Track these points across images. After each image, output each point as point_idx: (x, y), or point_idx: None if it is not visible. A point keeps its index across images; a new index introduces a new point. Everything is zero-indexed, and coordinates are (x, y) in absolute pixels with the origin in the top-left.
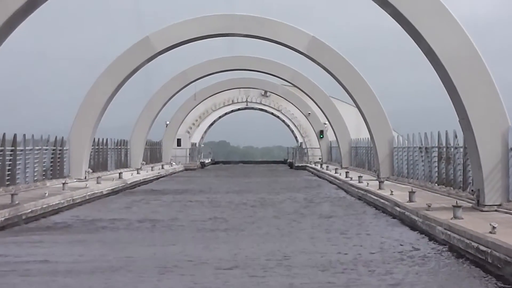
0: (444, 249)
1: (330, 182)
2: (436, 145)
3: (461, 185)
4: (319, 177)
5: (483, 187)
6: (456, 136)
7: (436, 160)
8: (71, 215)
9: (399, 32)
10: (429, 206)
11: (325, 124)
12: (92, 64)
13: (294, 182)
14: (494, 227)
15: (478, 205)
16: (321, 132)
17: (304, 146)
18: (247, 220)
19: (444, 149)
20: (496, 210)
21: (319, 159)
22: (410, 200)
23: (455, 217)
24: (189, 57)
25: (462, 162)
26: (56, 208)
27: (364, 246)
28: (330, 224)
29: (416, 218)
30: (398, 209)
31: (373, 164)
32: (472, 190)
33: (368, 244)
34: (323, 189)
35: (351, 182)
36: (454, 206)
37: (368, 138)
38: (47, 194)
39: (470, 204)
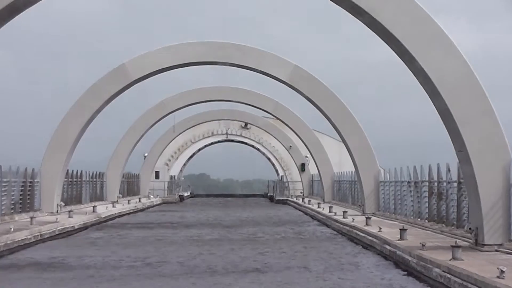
0: None
1: (313, 217)
2: (427, 179)
3: (455, 222)
4: (302, 211)
5: (482, 225)
6: (449, 170)
7: (427, 195)
8: (36, 252)
9: (385, 64)
10: (423, 245)
11: (306, 157)
12: (73, 96)
13: (276, 217)
14: (502, 271)
15: (477, 244)
16: (303, 165)
17: (285, 180)
18: (232, 266)
19: (436, 184)
20: (496, 250)
21: (300, 192)
22: (401, 238)
23: (454, 258)
24: (169, 86)
25: (456, 198)
26: (22, 244)
27: None
28: (315, 263)
29: (409, 258)
30: (388, 247)
31: (357, 198)
32: (470, 228)
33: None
34: (306, 225)
35: (335, 217)
36: (453, 246)
37: (352, 171)
38: (12, 229)
39: (467, 243)
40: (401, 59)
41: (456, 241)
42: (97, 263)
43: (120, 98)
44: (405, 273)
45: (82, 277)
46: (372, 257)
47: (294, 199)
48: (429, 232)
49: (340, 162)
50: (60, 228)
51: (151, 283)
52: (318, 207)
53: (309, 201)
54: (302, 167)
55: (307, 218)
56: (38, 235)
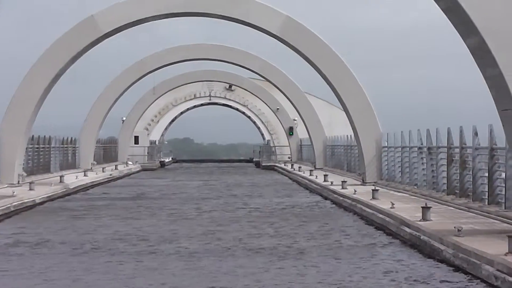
0: None
1: (305, 186)
2: (445, 144)
3: (484, 197)
4: (291, 179)
5: None
6: (476, 134)
7: (444, 163)
8: None
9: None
10: (459, 230)
11: (295, 120)
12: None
13: (264, 185)
14: None
15: None
16: (291, 129)
17: (271, 144)
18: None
19: (458, 150)
20: None
21: (288, 158)
22: (424, 218)
23: (511, 252)
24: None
25: (488, 168)
26: None
27: None
28: (316, 250)
29: (442, 247)
30: (407, 230)
31: (354, 165)
32: None
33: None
34: (297, 195)
35: (333, 187)
36: (510, 237)
37: (347, 135)
38: None
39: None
40: None
41: None
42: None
43: (93, 56)
44: (436, 264)
45: None
46: (388, 242)
47: (282, 165)
48: (452, 208)
49: (330, 126)
50: (16, 203)
51: None
52: (311, 174)
53: (299, 167)
54: (290, 131)
55: (298, 187)
56: None
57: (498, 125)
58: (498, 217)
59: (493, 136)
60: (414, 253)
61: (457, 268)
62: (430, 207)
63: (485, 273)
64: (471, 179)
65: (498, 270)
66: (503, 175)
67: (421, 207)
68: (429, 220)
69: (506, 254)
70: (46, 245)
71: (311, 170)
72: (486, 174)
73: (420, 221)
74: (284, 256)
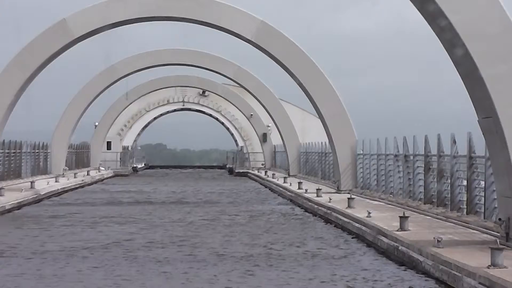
0: None
1: (280, 194)
2: (422, 153)
3: (463, 206)
4: (265, 186)
5: None
6: (454, 142)
7: (421, 171)
8: None
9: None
10: (438, 241)
11: (268, 126)
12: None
13: (238, 193)
14: None
15: (508, 239)
16: (264, 135)
17: (245, 150)
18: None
19: (435, 158)
20: None
21: (262, 164)
22: (402, 228)
23: (494, 265)
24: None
25: (467, 177)
26: None
27: None
28: (290, 264)
29: (421, 259)
30: (385, 240)
31: (329, 173)
32: (499, 219)
33: None
34: (270, 203)
35: (307, 195)
36: (492, 248)
37: (322, 142)
38: None
39: (492, 237)
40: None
41: (497, 241)
42: None
43: (66, 60)
44: (419, 276)
45: None
46: (365, 252)
47: (256, 172)
48: (430, 217)
49: (303, 133)
50: None
51: None
52: (285, 181)
53: (273, 174)
54: (264, 137)
55: (272, 194)
56: None
57: (478, 133)
58: (478, 227)
59: (472, 144)
60: (392, 263)
61: (437, 280)
62: (408, 217)
63: (466, 286)
64: (449, 188)
65: (480, 283)
66: (482, 184)
67: (399, 216)
68: (407, 230)
69: (488, 267)
70: (16, 252)
71: (285, 177)
72: (465, 183)
73: (397, 230)
74: (262, 265)
